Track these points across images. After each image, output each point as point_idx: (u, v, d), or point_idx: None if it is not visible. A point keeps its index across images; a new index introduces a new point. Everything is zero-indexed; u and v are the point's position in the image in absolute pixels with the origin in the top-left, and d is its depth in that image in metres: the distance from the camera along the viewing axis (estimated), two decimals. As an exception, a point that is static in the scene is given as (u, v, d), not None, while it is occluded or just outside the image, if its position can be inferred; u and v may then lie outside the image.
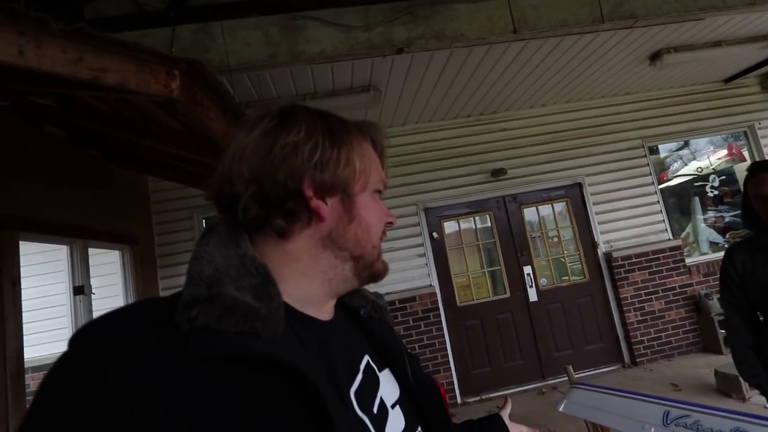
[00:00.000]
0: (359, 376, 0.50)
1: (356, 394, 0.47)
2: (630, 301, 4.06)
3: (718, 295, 3.80)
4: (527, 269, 4.13)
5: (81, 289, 2.69)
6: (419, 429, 0.56)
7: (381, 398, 0.52)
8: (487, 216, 4.21)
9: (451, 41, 2.29)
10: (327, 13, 2.18)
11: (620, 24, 2.35)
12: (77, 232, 2.66)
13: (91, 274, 2.80)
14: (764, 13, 2.68)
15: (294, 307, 0.47)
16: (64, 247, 2.71)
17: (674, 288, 4.12)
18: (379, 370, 0.55)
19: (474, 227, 4.22)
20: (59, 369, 0.34)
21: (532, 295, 4.09)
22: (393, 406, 0.53)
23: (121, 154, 2.95)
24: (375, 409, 0.49)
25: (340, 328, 0.54)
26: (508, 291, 4.10)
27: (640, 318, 4.05)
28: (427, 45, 2.28)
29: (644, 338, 4.03)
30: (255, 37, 2.19)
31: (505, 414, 0.79)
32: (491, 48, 2.67)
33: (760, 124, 4.52)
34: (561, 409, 1.44)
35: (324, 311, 0.52)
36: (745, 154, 4.64)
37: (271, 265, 0.46)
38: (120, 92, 1.35)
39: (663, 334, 4.06)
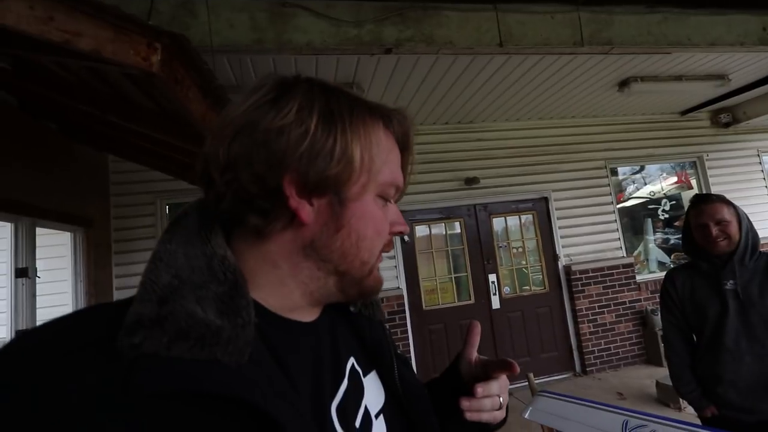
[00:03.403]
0: (344, 383, 0.45)
1: (339, 408, 0.42)
2: (584, 312, 4.27)
3: (663, 312, 4.09)
4: (492, 277, 4.24)
5: (24, 272, 2.47)
6: None
7: (365, 407, 0.47)
8: (458, 223, 4.29)
9: (439, 47, 2.31)
10: (318, 3, 2.14)
11: (597, 49, 2.48)
12: (23, 209, 2.43)
13: (37, 256, 2.57)
14: (721, 54, 2.92)
15: (272, 311, 0.41)
16: (8, 224, 2.48)
17: (624, 302, 4.38)
18: (365, 374, 0.50)
19: (444, 233, 4.29)
20: None
21: (495, 303, 4.20)
22: (378, 415, 0.48)
23: (80, 128, 2.73)
24: (358, 422, 0.44)
25: (327, 328, 0.48)
26: (472, 297, 4.19)
27: (592, 329, 4.26)
28: (415, 48, 2.29)
29: (595, 349, 4.25)
30: (240, 19, 2.11)
31: (468, 353, 0.61)
32: (476, 58, 2.73)
33: (708, 155, 4.91)
34: (526, 416, 1.48)
35: (309, 314, 0.46)
36: (693, 182, 5.03)
37: (246, 268, 0.39)
38: (92, 60, 1.24)
39: (612, 345, 4.29)
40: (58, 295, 3.01)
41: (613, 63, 3.07)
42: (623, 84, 3.48)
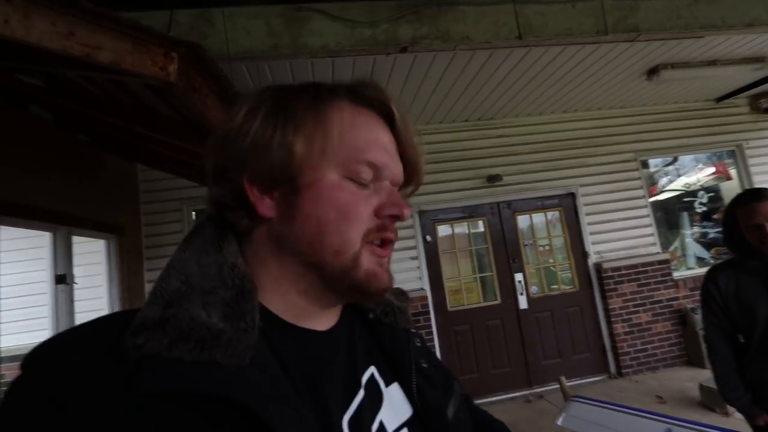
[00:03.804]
0: (360, 394, 0.43)
1: (351, 421, 0.40)
2: (618, 312, 4.09)
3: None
4: (518, 276, 4.13)
5: (63, 278, 2.59)
6: None
7: (380, 422, 0.44)
8: (481, 222, 4.21)
9: (456, 43, 2.27)
10: (332, 6, 2.14)
11: (623, 37, 2.36)
12: (61, 219, 2.56)
13: (74, 263, 2.69)
14: (760, 35, 2.73)
15: (282, 318, 0.42)
16: (47, 233, 2.61)
17: (661, 301, 4.16)
18: (387, 384, 0.48)
19: (467, 232, 4.21)
20: (10, 397, 0.31)
21: (522, 303, 4.09)
22: (398, 430, 0.45)
23: (110, 140, 2.86)
24: None
25: (344, 336, 0.47)
26: (498, 297, 4.09)
27: (627, 329, 4.08)
28: (431, 45, 2.26)
29: (630, 349, 4.06)
30: (256, 26, 2.14)
31: None
32: (494, 53, 2.66)
33: (748, 143, 4.62)
34: (560, 422, 1.41)
35: (321, 321, 0.45)
36: (732, 172, 4.74)
37: (254, 274, 0.41)
38: (113, 73, 1.28)
39: (649, 346, 4.09)
40: (94, 300, 3.15)
41: (640, 51, 2.92)
42: (652, 72, 3.31)
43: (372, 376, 0.46)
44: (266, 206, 0.41)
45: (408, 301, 0.57)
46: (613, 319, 4.07)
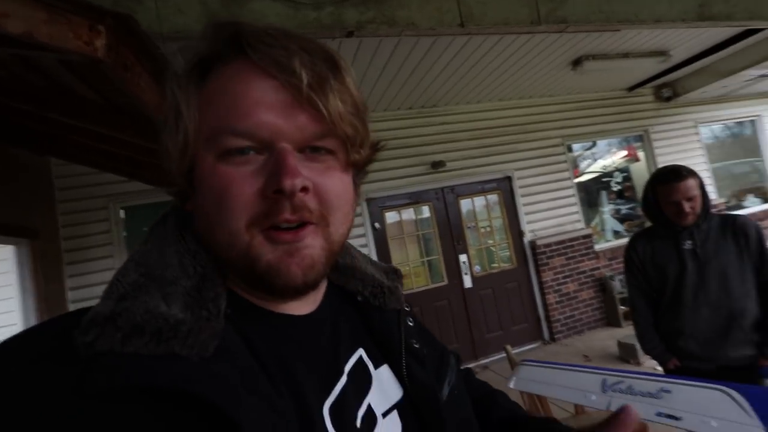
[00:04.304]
0: (342, 380, 0.41)
1: (333, 407, 0.38)
2: (550, 284, 4.48)
3: (620, 277, 4.39)
4: (463, 257, 4.34)
5: (-39, 291, 2.22)
6: None
7: (368, 405, 0.42)
8: (426, 207, 4.33)
9: (401, 29, 2.27)
10: (274, -15, 2.03)
11: (553, 27, 2.54)
12: (-47, 222, 2.18)
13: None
14: (664, 30, 3.09)
15: (256, 305, 0.39)
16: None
17: (585, 271, 4.64)
18: (376, 366, 0.45)
19: (414, 218, 4.32)
20: None
21: (467, 282, 4.31)
22: (387, 413, 0.43)
23: (16, 129, 2.47)
24: (359, 422, 0.39)
25: (326, 319, 0.44)
26: (445, 279, 4.27)
27: (558, 299, 4.49)
28: (377, 30, 2.24)
29: (561, 317, 4.48)
30: (190, 4, 1.96)
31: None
32: (437, 40, 2.72)
33: (653, 129, 5.25)
34: (512, 385, 1.53)
35: (299, 306, 0.41)
36: (641, 155, 5.36)
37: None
38: (25, 46, 1.10)
39: (576, 312, 4.55)
40: (4, 314, 2.75)
41: (567, 42, 3.17)
42: (576, 62, 3.61)
43: (360, 358, 0.44)
44: (190, 201, 0.39)
45: (400, 280, 0.54)
46: (546, 291, 4.45)
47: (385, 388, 0.45)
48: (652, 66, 4.13)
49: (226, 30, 0.37)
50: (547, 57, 3.44)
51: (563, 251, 4.57)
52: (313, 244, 0.36)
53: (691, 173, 1.65)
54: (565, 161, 4.81)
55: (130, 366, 0.28)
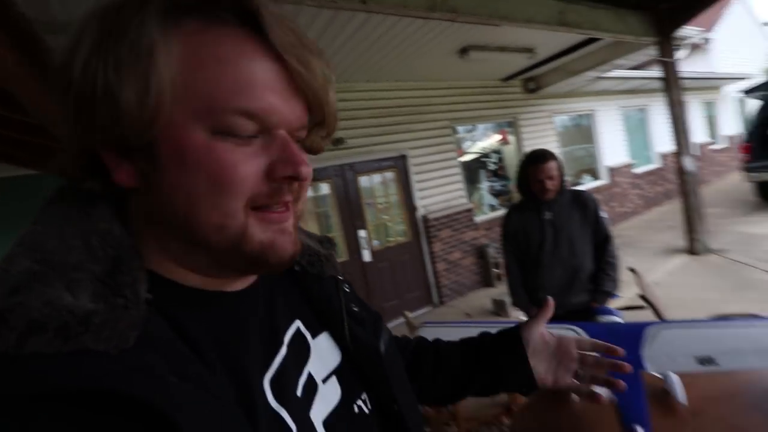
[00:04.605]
0: (282, 351, 0.41)
1: (273, 380, 0.38)
2: (438, 254, 4.96)
3: (494, 245, 5.09)
4: (362, 233, 4.49)
5: None
6: (364, 398, 0.47)
7: (309, 373, 0.43)
8: (326, 184, 4.33)
9: (303, -4, 2.18)
10: None
11: (447, 16, 2.72)
12: None
13: None
14: (533, 30, 3.55)
15: (184, 285, 0.36)
16: None
17: (467, 241, 5.25)
18: (314, 336, 0.46)
19: (313, 194, 4.28)
20: None
21: (366, 257, 4.50)
22: (327, 379, 0.45)
23: None
24: (300, 391, 0.41)
25: (261, 293, 0.43)
26: (346, 255, 4.38)
27: (445, 267, 5.01)
28: (277, -6, 2.11)
29: (448, 282, 5.03)
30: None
31: (534, 326, 0.63)
32: (338, 14, 2.67)
33: (521, 116, 6.06)
34: (415, 344, 1.70)
35: (233, 283, 0.40)
36: (511, 138, 6.18)
37: (142, 243, 0.35)
38: None
39: (460, 277, 5.15)
40: None
41: (456, 31, 3.42)
42: (463, 51, 3.94)
43: (298, 329, 0.45)
44: (124, 173, 0.33)
45: (334, 248, 0.56)
46: (435, 260, 4.92)
47: (323, 356, 0.46)
48: (522, 60, 4.74)
49: None
50: (439, 43, 3.67)
51: (450, 224, 5.07)
52: (291, 222, 0.38)
53: (553, 156, 2.00)
54: (452, 142, 5.27)
55: (29, 370, 0.24)
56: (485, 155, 5.99)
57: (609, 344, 0.62)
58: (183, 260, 0.36)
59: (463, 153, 5.65)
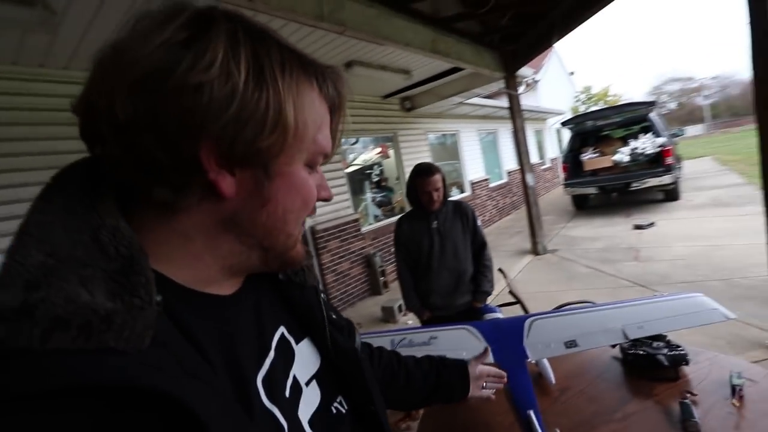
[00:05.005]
0: (271, 355, 0.44)
1: (265, 380, 0.41)
2: (328, 265, 4.91)
3: (380, 253, 5.27)
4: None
5: None
6: (340, 400, 0.52)
7: (294, 376, 0.46)
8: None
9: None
10: None
11: (335, 28, 2.74)
12: None
13: None
14: (410, 54, 3.84)
15: (184, 285, 0.38)
16: None
17: (355, 251, 5.33)
18: (297, 342, 0.50)
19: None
20: None
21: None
22: (309, 382, 0.49)
23: None
24: (287, 392, 0.44)
25: (250, 298, 0.45)
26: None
27: (335, 278, 4.98)
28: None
29: (338, 293, 5.00)
30: None
31: (476, 365, 0.89)
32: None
33: (399, 132, 6.49)
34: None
35: (227, 286, 0.43)
36: (391, 152, 6.55)
37: (150, 239, 0.35)
38: None
39: (349, 288, 5.18)
40: None
41: (343, 44, 3.48)
42: (349, 65, 4.02)
43: (282, 335, 0.47)
44: (227, 184, 0.35)
45: (312, 259, 0.58)
46: (324, 272, 4.85)
47: (305, 361, 0.49)
48: (400, 81, 5.09)
49: (330, 68, 0.43)
50: (326, 53, 3.68)
51: (338, 234, 5.08)
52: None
53: (438, 170, 2.17)
54: (338, 153, 5.31)
55: (56, 365, 0.25)
56: (368, 167, 6.21)
57: (499, 371, 0.93)
58: (223, 260, 0.39)
59: (347, 165, 5.75)
